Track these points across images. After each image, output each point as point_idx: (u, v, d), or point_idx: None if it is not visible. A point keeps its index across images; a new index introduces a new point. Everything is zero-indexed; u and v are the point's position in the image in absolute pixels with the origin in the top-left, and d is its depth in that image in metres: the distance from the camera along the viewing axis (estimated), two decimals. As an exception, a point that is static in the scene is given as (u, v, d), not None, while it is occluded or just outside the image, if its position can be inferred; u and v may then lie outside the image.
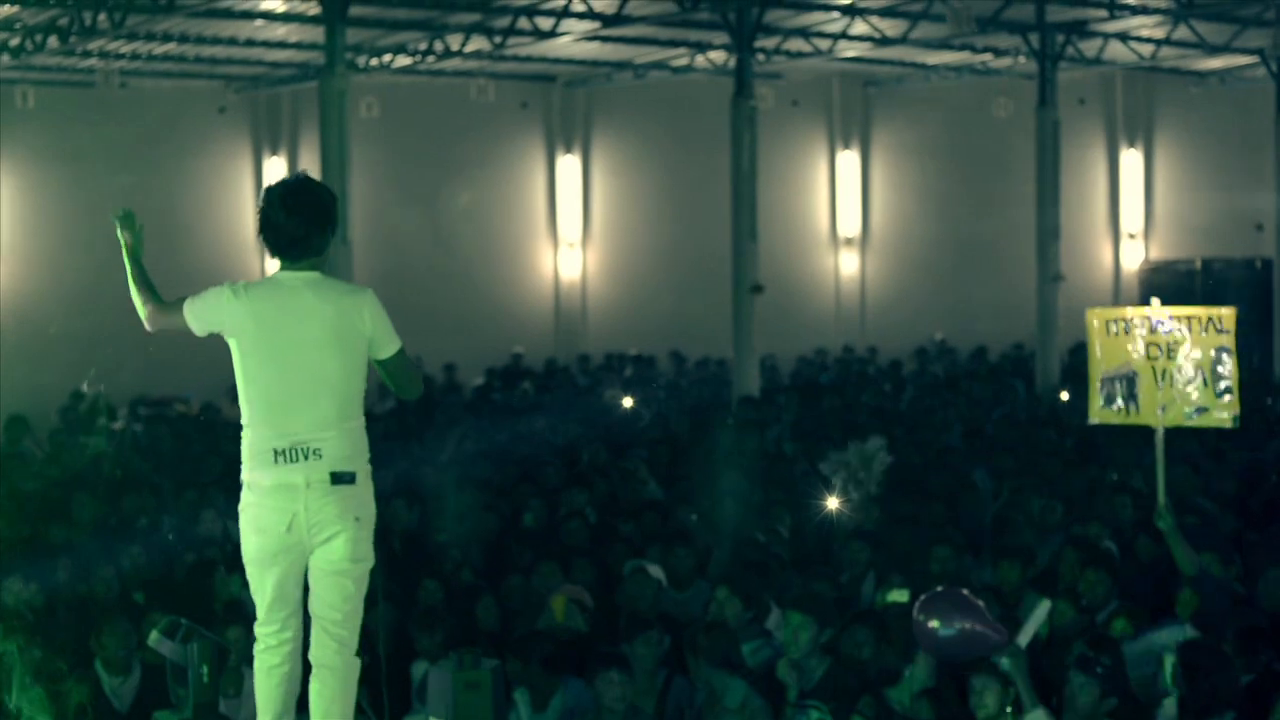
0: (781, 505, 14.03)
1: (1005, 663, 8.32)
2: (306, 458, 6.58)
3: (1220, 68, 31.29)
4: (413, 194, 29.15)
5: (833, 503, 11.87)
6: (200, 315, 6.75)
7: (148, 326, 7.02)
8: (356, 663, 6.82)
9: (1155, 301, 9.78)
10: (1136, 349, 9.58)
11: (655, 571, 11.47)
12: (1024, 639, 8.68)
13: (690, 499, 14.86)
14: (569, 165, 31.37)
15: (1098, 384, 9.80)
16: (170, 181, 27.65)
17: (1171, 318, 9.55)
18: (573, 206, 31.40)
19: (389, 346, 6.74)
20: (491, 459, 17.66)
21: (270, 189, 6.75)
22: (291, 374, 6.62)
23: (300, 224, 6.64)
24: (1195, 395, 9.48)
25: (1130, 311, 9.78)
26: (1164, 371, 9.49)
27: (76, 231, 26.89)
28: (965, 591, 8.80)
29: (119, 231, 7.20)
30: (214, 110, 28.86)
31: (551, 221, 31.34)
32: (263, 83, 28.57)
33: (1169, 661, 9.05)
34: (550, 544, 12.98)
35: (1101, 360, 9.79)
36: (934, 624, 8.51)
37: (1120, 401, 9.70)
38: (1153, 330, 9.57)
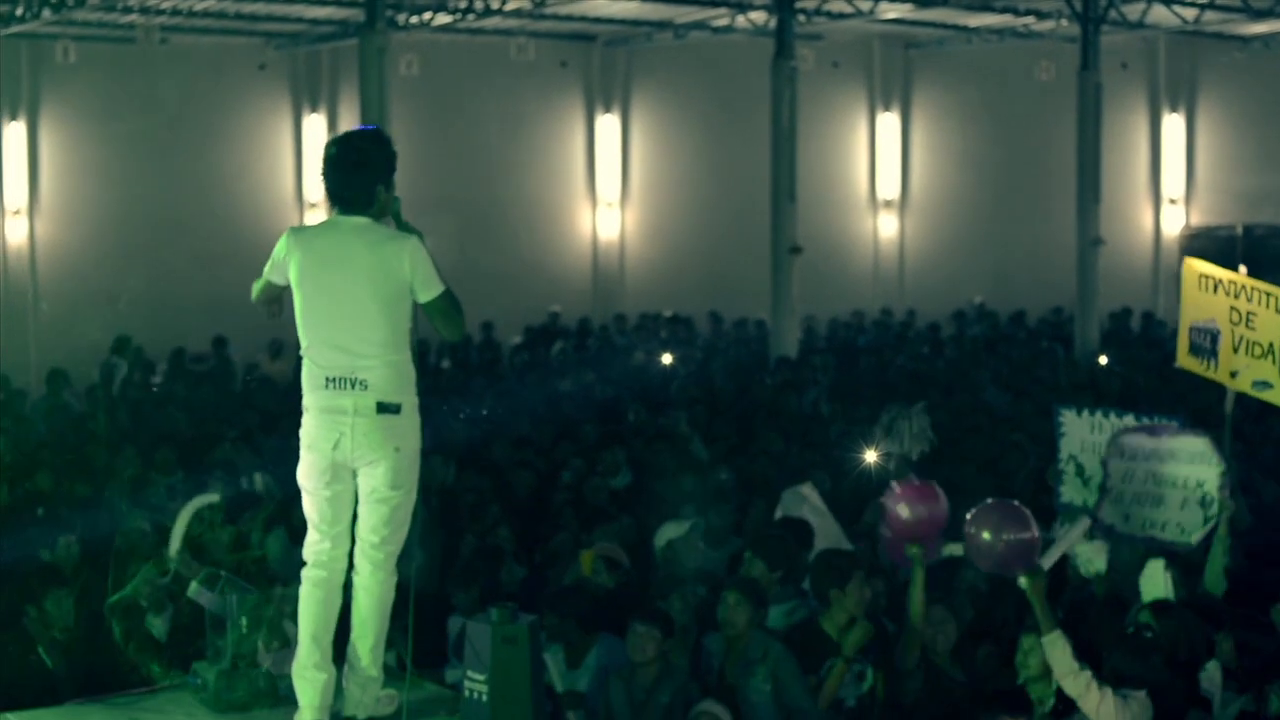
0: (818, 466, 14.03)
1: (1023, 582, 8.32)
2: (353, 387, 7.02)
3: (1265, 32, 31.04)
4: (452, 152, 29.13)
5: (871, 459, 11.82)
6: (273, 266, 7.23)
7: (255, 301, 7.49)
8: (392, 585, 7.28)
9: (1243, 269, 9.81)
10: (1221, 309, 9.62)
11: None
12: (1049, 561, 8.70)
13: (728, 458, 14.88)
14: (608, 125, 31.31)
15: (1187, 329, 9.88)
16: (210, 138, 27.72)
17: (1255, 289, 9.56)
18: (611, 166, 31.34)
19: (429, 291, 7.08)
20: (529, 417, 17.71)
21: (325, 145, 7.28)
22: (335, 310, 7.06)
23: (339, 179, 7.15)
24: (1264, 369, 9.50)
25: (1221, 272, 9.81)
26: (1242, 339, 9.52)
27: (116, 186, 27.01)
28: (1015, 503, 8.88)
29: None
30: (254, 67, 28.86)
31: (590, 181, 31.29)
32: (303, 40, 28.55)
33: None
34: (588, 501, 13.05)
35: (1191, 310, 9.85)
36: (985, 535, 8.59)
37: (1204, 356, 9.78)
38: (1236, 296, 9.59)
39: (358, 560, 7.24)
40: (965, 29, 30.90)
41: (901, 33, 31.77)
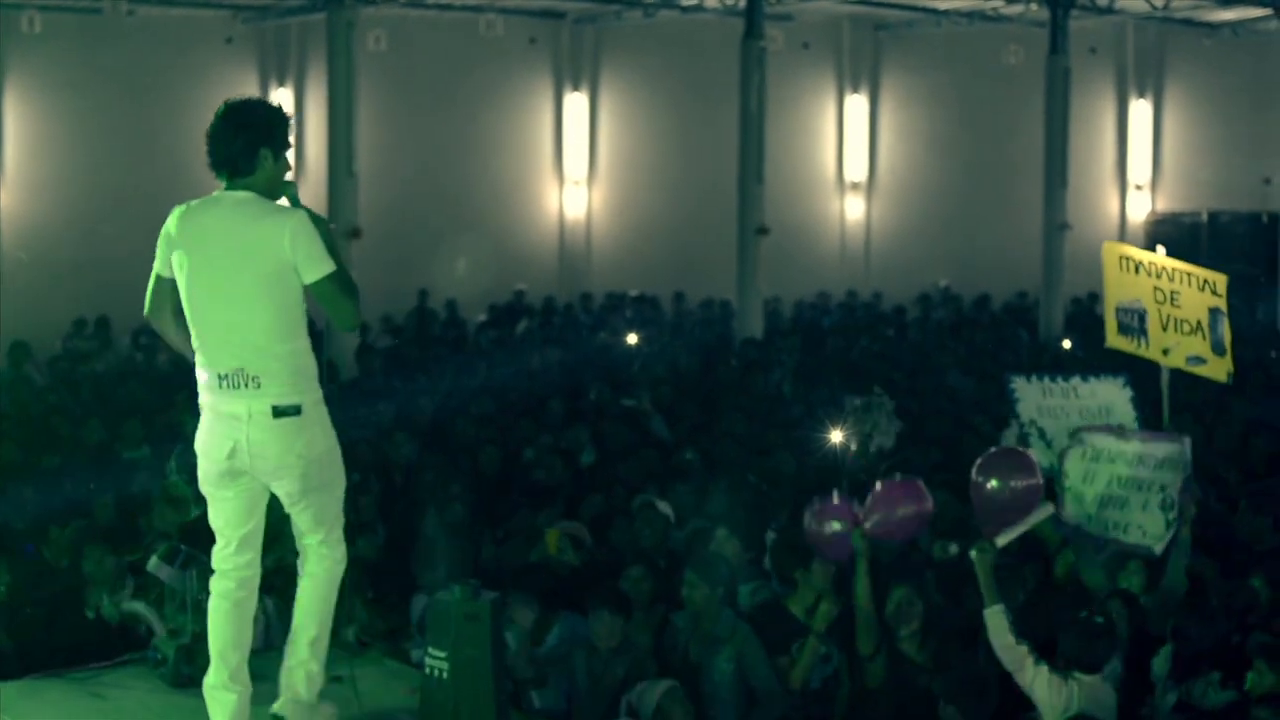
0: (783, 447, 14.05)
1: (973, 554, 8.43)
2: (246, 386, 6.49)
3: (1234, 19, 31.12)
4: (419, 128, 29.04)
5: (836, 441, 11.85)
6: (161, 252, 6.70)
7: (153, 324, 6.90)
8: (338, 571, 6.94)
9: (1160, 250, 9.86)
10: (1145, 289, 9.69)
11: (664, 507, 11.49)
12: (1005, 539, 8.78)
13: (692, 438, 14.88)
14: (576, 103, 31.24)
15: (1113, 310, 9.96)
16: (175, 111, 27.48)
17: (1175, 270, 9.63)
18: (579, 144, 31.27)
19: (315, 271, 6.48)
20: (492, 394, 17.69)
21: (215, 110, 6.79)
22: (215, 292, 6.53)
23: (225, 144, 6.67)
24: (1195, 344, 9.57)
25: (1140, 254, 9.90)
26: (1169, 317, 9.59)
27: (81, 158, 26.86)
28: (1020, 449, 9.01)
29: None
30: (221, 40, 28.71)
31: (558, 159, 31.23)
32: (270, 13, 28.41)
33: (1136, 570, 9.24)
34: (552, 479, 13.04)
35: (1115, 291, 9.93)
36: (993, 483, 8.70)
37: (1134, 335, 9.84)
38: (1158, 276, 9.67)
39: (301, 553, 6.95)
40: (935, 11, 30.91)
41: (871, 14, 31.76)
